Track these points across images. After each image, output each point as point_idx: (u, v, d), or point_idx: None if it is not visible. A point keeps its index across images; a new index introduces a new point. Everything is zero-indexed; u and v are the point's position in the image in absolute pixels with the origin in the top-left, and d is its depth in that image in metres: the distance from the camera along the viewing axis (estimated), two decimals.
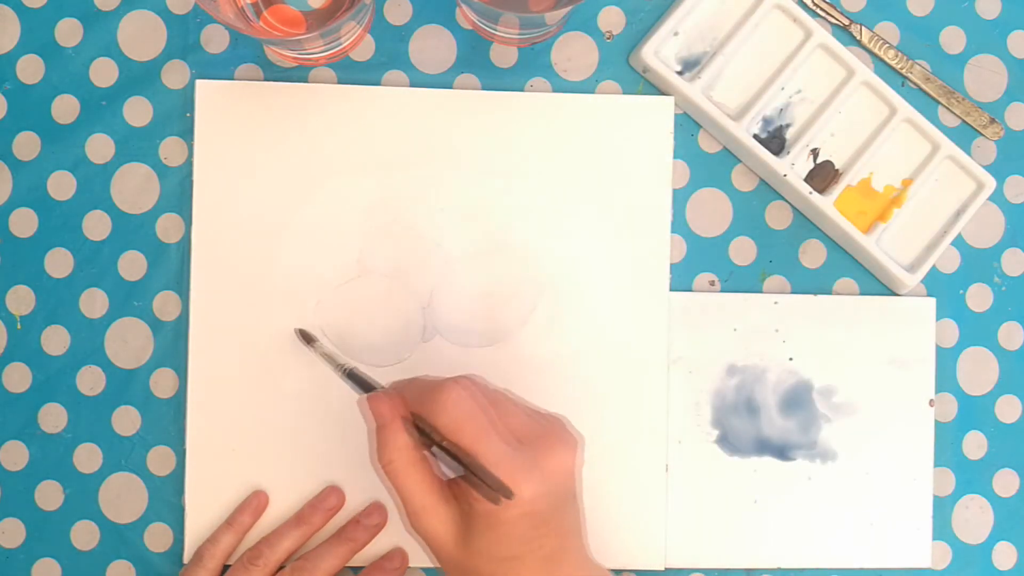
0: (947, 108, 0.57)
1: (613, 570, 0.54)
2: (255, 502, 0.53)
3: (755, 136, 0.55)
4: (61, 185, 0.54)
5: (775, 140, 0.55)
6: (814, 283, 0.56)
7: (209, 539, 0.52)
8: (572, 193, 0.55)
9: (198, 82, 0.54)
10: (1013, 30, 0.57)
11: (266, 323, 0.54)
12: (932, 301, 0.56)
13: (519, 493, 0.41)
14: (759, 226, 0.56)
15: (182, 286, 0.54)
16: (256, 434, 0.54)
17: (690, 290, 0.56)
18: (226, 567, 0.52)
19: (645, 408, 0.55)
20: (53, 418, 0.54)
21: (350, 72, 0.55)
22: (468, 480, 0.42)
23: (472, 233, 0.54)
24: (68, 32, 0.54)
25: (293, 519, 0.52)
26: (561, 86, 0.55)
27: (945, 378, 0.56)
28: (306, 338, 0.52)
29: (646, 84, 0.56)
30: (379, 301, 0.54)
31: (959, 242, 0.57)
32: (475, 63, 0.55)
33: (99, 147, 0.54)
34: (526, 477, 0.41)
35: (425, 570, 0.54)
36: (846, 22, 0.56)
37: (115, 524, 0.54)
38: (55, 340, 0.54)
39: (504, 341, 0.54)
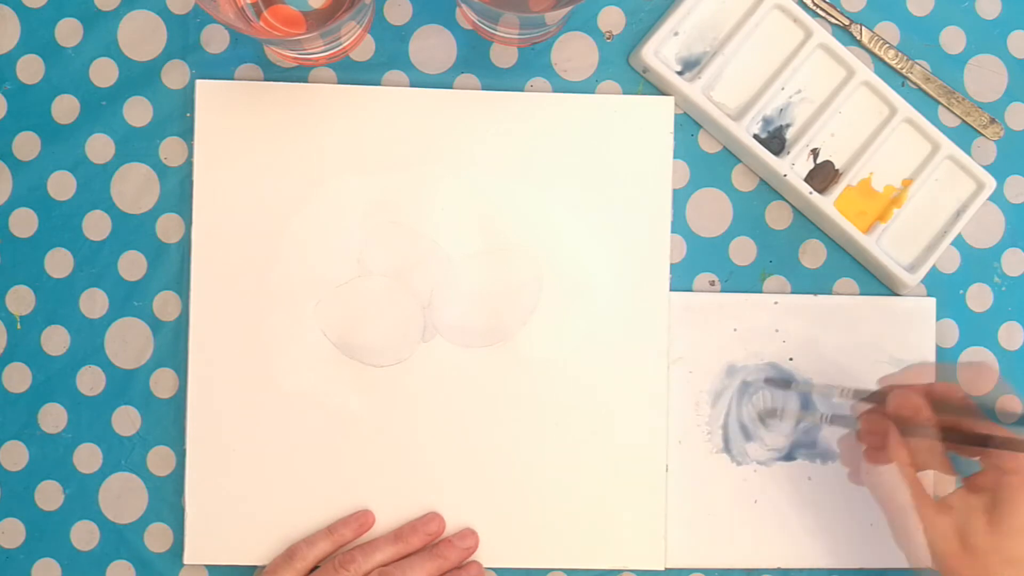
0: (947, 108, 0.57)
1: (613, 570, 0.54)
2: (361, 519, 0.53)
3: (755, 136, 0.55)
4: (61, 185, 0.54)
5: (775, 140, 0.55)
6: (814, 283, 0.56)
7: (306, 540, 0.52)
8: (572, 193, 0.55)
9: (198, 82, 0.54)
10: (1013, 30, 0.57)
11: (266, 323, 0.54)
12: (932, 301, 0.56)
13: None
14: (759, 226, 0.56)
15: (182, 286, 0.54)
16: (256, 434, 0.54)
17: (690, 290, 0.56)
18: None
19: (645, 408, 0.55)
20: (53, 418, 0.54)
21: (350, 72, 0.55)
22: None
23: (472, 233, 0.54)
24: (68, 32, 0.54)
25: (392, 535, 0.53)
26: (561, 86, 0.55)
27: (945, 379, 0.56)
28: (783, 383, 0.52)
29: (646, 84, 0.56)
30: (379, 301, 0.54)
31: (959, 242, 0.57)
32: (475, 63, 0.55)
33: (99, 147, 0.54)
34: None
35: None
36: (846, 22, 0.56)
37: (115, 524, 0.54)
38: (55, 340, 0.54)
39: (504, 341, 0.54)
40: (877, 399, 0.48)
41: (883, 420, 0.46)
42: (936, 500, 0.44)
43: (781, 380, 0.54)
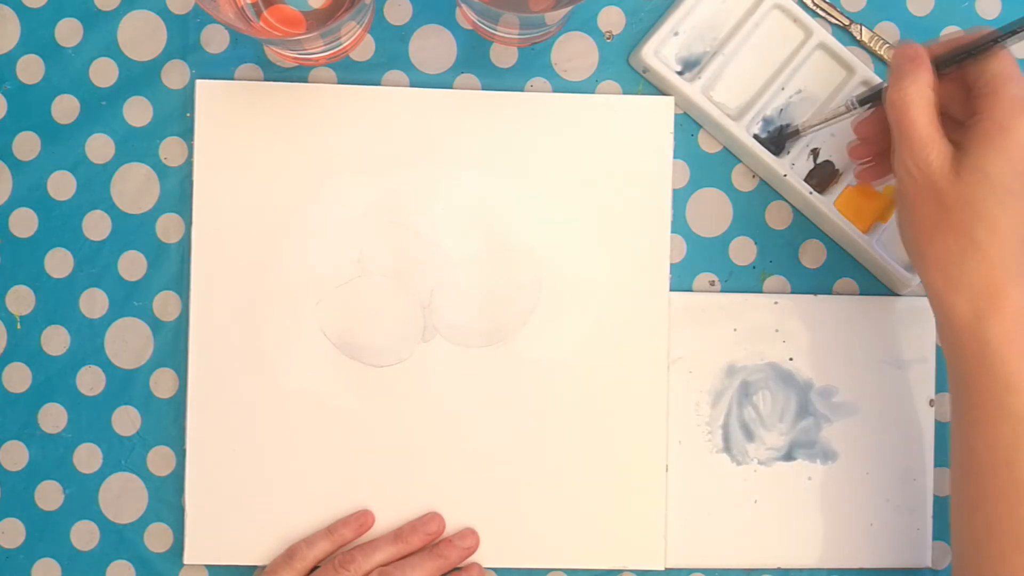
0: None
1: (613, 570, 0.54)
2: (361, 519, 0.53)
3: (755, 136, 0.55)
4: (61, 185, 0.54)
5: (775, 140, 0.55)
6: (814, 283, 0.56)
7: (306, 540, 0.52)
8: (572, 193, 0.55)
9: (198, 82, 0.54)
10: None
11: (266, 323, 0.54)
12: None
13: None
14: (759, 226, 0.56)
15: (182, 286, 0.54)
16: (256, 434, 0.54)
17: (690, 290, 0.56)
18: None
19: (645, 408, 0.55)
20: (53, 418, 0.54)
21: (350, 72, 0.55)
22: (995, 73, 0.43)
23: (472, 233, 0.54)
24: (68, 32, 0.54)
25: (392, 535, 0.53)
26: (561, 86, 0.55)
27: (945, 378, 0.56)
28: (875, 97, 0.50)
29: (646, 84, 0.56)
30: (379, 301, 0.54)
31: None
32: (475, 63, 0.55)
33: (99, 147, 0.54)
34: None
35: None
36: (846, 22, 0.56)
37: (115, 524, 0.54)
38: (55, 340, 0.54)
39: (504, 341, 0.54)
40: (878, 96, 0.48)
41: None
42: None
43: (783, 136, 0.53)
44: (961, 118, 0.45)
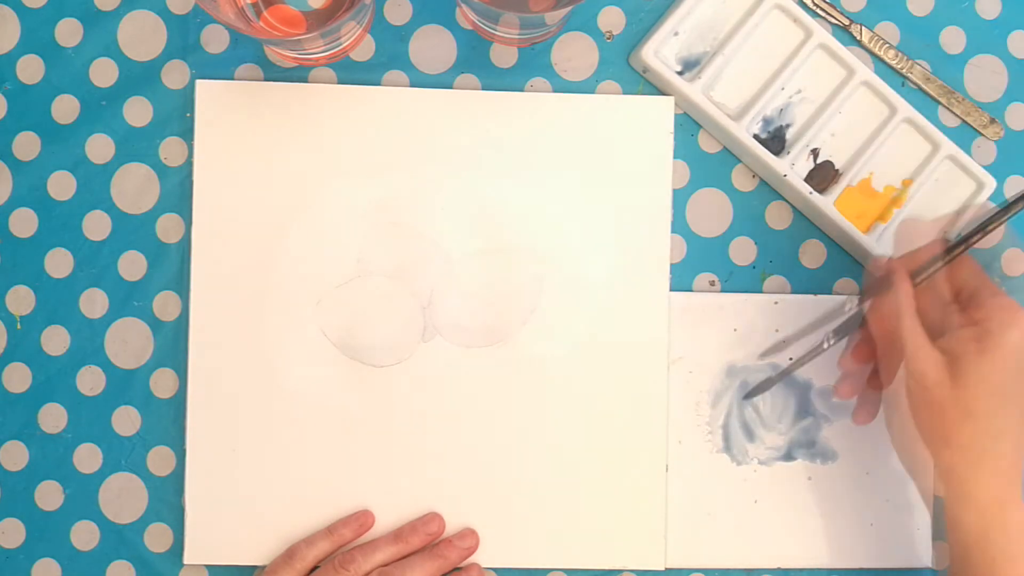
0: (947, 108, 0.57)
1: (613, 570, 0.54)
2: (361, 519, 0.53)
3: (755, 136, 0.55)
4: (61, 185, 0.54)
5: (775, 140, 0.55)
6: (814, 283, 0.56)
7: (306, 540, 0.52)
8: (572, 193, 0.55)
9: (198, 82, 0.54)
10: (1013, 30, 0.57)
11: (266, 323, 0.54)
12: None
13: (1017, 318, 0.43)
14: (759, 226, 0.56)
15: (182, 286, 0.54)
16: (256, 434, 0.54)
17: (690, 290, 0.56)
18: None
19: (645, 408, 0.55)
20: (53, 418, 0.54)
21: (350, 72, 0.55)
22: (976, 298, 0.45)
23: (472, 233, 0.54)
24: (68, 32, 0.54)
25: (392, 535, 0.53)
26: (561, 86, 0.55)
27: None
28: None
29: (646, 84, 0.56)
30: (379, 301, 0.54)
31: None
32: (475, 63, 0.55)
33: (99, 147, 0.54)
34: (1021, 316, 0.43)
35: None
36: (846, 22, 0.56)
37: (115, 524, 0.54)
38: (55, 340, 0.54)
39: (504, 341, 0.54)
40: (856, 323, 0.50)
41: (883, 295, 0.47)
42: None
43: (762, 386, 0.54)
44: (937, 324, 0.46)
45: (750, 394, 0.54)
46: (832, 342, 0.53)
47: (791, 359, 0.55)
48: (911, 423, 0.45)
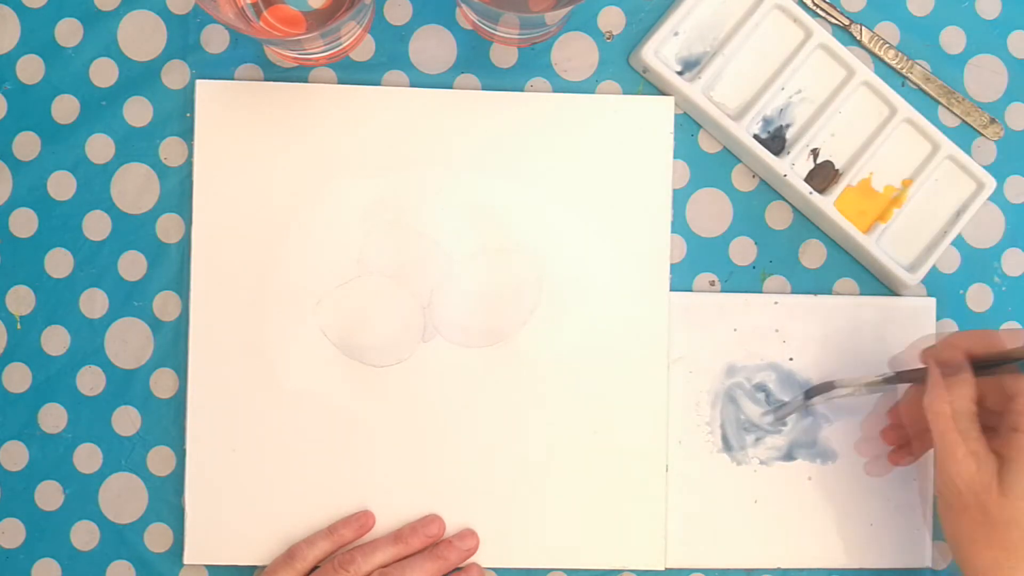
0: (947, 108, 0.57)
1: (613, 570, 0.54)
2: (361, 519, 0.53)
3: (755, 136, 0.55)
4: (61, 185, 0.54)
5: (775, 140, 0.55)
6: (814, 283, 0.56)
7: (306, 540, 0.52)
8: (572, 193, 0.55)
9: (198, 82, 0.54)
10: (1013, 30, 0.57)
11: (266, 323, 0.54)
12: (932, 301, 0.56)
13: None
14: (759, 226, 0.56)
15: (182, 286, 0.54)
16: (256, 434, 0.54)
17: (690, 290, 0.56)
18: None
19: (645, 408, 0.55)
20: (53, 418, 0.54)
21: (350, 72, 0.55)
22: None
23: (472, 233, 0.54)
24: (68, 32, 0.54)
25: (391, 536, 0.53)
26: (561, 86, 0.55)
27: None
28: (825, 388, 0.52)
29: (646, 84, 0.56)
30: (379, 301, 0.54)
31: (959, 242, 0.57)
32: (475, 63, 0.55)
33: (99, 147, 0.54)
34: None
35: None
36: (846, 22, 0.56)
37: (115, 524, 0.54)
38: (55, 340, 0.54)
39: (504, 341, 0.54)
40: (891, 380, 0.49)
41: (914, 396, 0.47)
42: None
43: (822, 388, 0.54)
44: (996, 412, 0.46)
45: (811, 392, 0.54)
46: (885, 381, 0.51)
47: (791, 358, 0.55)
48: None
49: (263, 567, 0.53)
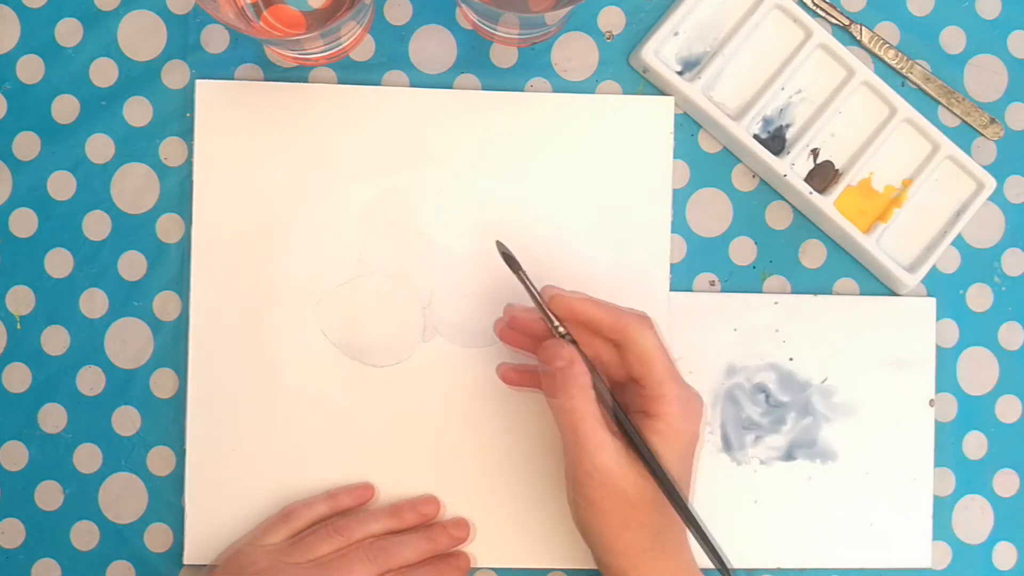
0: (947, 108, 0.57)
1: None
2: (361, 489, 0.53)
3: (755, 136, 0.55)
4: (61, 185, 0.54)
5: (775, 140, 0.55)
6: (814, 283, 0.56)
7: (304, 501, 0.53)
8: (572, 193, 0.55)
9: (198, 82, 0.54)
10: (1013, 30, 0.57)
11: (266, 323, 0.54)
12: (932, 301, 0.56)
13: (694, 409, 0.47)
14: (759, 226, 0.56)
15: (182, 286, 0.54)
16: (256, 434, 0.54)
17: (690, 290, 0.56)
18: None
19: None
20: (53, 418, 0.54)
21: (350, 72, 0.55)
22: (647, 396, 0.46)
23: (472, 233, 0.54)
24: (68, 32, 0.54)
25: (388, 509, 0.53)
26: (561, 86, 0.55)
27: (945, 378, 0.56)
28: (511, 262, 0.49)
29: (646, 84, 0.56)
30: (379, 301, 0.54)
31: (959, 242, 0.57)
32: (475, 63, 0.55)
33: (99, 147, 0.54)
34: (695, 395, 0.47)
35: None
36: (846, 22, 0.56)
37: (115, 524, 0.54)
38: (55, 340, 0.54)
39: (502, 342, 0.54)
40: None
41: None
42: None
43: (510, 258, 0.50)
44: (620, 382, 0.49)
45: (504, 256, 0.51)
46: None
47: (791, 359, 0.55)
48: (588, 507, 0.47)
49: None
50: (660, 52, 0.55)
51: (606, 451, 0.45)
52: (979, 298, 0.57)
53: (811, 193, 0.54)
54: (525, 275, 0.48)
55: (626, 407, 0.48)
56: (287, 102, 0.54)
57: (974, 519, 0.56)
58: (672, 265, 0.55)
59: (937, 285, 0.57)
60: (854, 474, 0.55)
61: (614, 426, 0.47)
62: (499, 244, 0.48)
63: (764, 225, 0.56)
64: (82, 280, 0.54)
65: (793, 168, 0.55)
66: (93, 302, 0.54)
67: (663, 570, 0.47)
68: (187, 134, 0.54)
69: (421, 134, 0.54)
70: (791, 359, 0.56)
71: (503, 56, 0.55)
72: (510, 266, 0.48)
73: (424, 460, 0.54)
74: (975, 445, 0.57)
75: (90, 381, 0.54)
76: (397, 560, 0.51)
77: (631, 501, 0.46)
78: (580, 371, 0.46)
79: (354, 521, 0.52)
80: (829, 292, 0.56)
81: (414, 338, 0.54)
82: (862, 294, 0.56)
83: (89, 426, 0.54)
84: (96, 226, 0.54)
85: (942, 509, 0.56)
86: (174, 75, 0.54)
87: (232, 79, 0.54)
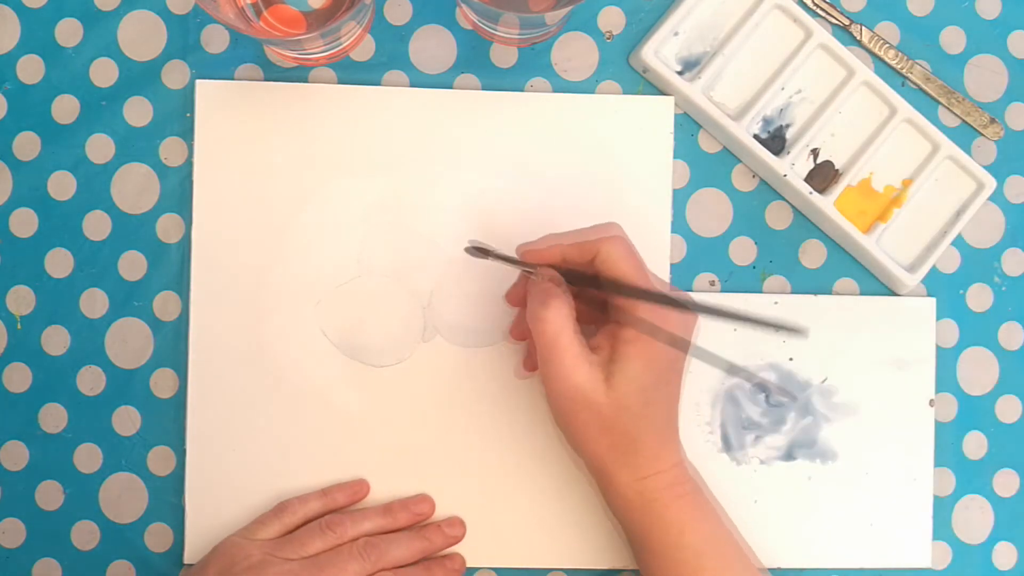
0: (947, 108, 0.57)
1: (613, 570, 0.54)
2: (356, 487, 0.53)
3: (755, 136, 0.55)
4: (61, 185, 0.54)
5: (775, 140, 0.55)
6: (814, 283, 0.56)
7: (299, 497, 0.53)
8: (572, 193, 0.55)
9: (198, 82, 0.54)
10: (1013, 30, 0.57)
11: (266, 323, 0.54)
12: (932, 301, 0.56)
13: (668, 319, 0.46)
14: (759, 226, 0.56)
15: (182, 286, 0.54)
16: (256, 434, 0.54)
17: (690, 290, 0.56)
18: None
19: None
20: (53, 418, 0.54)
21: (350, 72, 0.55)
22: (624, 308, 0.47)
23: (472, 233, 0.54)
24: (68, 32, 0.54)
25: (382, 508, 0.53)
26: (561, 86, 0.55)
27: (945, 378, 0.56)
28: (481, 252, 0.51)
29: (646, 84, 0.56)
30: (379, 301, 0.54)
31: (959, 242, 0.57)
32: (475, 63, 0.55)
33: (99, 147, 0.54)
34: (675, 318, 0.47)
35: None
36: (846, 22, 0.56)
37: (115, 524, 0.54)
38: (55, 340, 0.54)
39: (504, 341, 0.54)
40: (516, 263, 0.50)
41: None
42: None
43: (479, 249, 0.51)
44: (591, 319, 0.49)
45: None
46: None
47: (791, 359, 0.55)
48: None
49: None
50: (660, 52, 0.55)
51: (581, 370, 0.46)
52: (979, 298, 0.57)
53: (811, 193, 0.54)
54: (496, 251, 0.49)
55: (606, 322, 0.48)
56: (287, 102, 0.54)
57: (974, 519, 0.56)
58: (672, 265, 0.55)
59: (937, 285, 0.57)
60: (854, 474, 0.55)
61: (590, 345, 0.47)
62: (467, 248, 0.49)
63: (764, 225, 0.56)
64: (82, 280, 0.54)
65: (793, 168, 0.55)
66: (93, 302, 0.54)
67: (648, 471, 0.47)
68: (187, 134, 0.54)
69: (421, 134, 0.54)
70: (791, 359, 0.56)
71: (503, 56, 0.55)
72: (483, 255, 0.49)
73: (425, 460, 0.54)
74: (975, 445, 0.57)
75: (90, 381, 0.54)
76: (389, 559, 0.51)
77: (606, 414, 0.46)
78: (557, 289, 0.47)
79: (347, 519, 0.52)
80: (829, 292, 0.56)
81: (414, 338, 0.54)
82: (862, 294, 0.56)
83: (89, 426, 0.54)
84: (96, 226, 0.54)
85: (942, 509, 0.56)
86: (174, 75, 0.54)
87: (232, 79, 0.54)
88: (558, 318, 0.46)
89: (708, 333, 0.55)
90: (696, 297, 0.55)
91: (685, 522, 0.48)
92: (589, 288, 0.48)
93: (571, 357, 0.46)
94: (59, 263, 0.54)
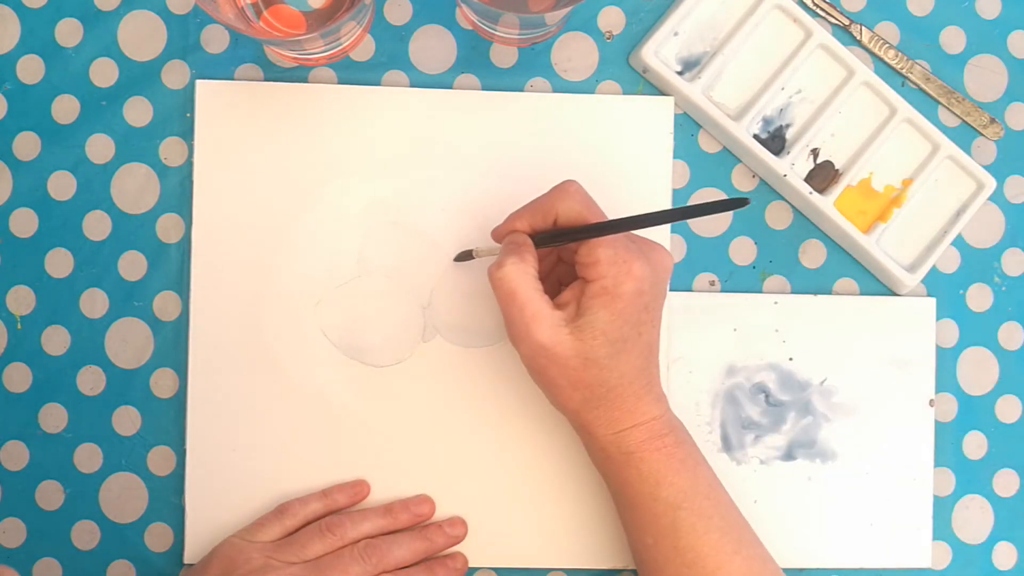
0: (947, 108, 0.57)
1: (613, 570, 0.54)
2: (356, 487, 0.53)
3: (755, 136, 0.55)
4: (61, 185, 0.54)
5: (775, 140, 0.55)
6: (814, 283, 0.56)
7: (299, 499, 0.53)
8: None
9: (198, 82, 0.54)
10: (1013, 30, 0.57)
11: (266, 323, 0.54)
12: (932, 301, 0.56)
13: (631, 270, 0.46)
14: (759, 226, 0.56)
15: (182, 286, 0.54)
16: (256, 434, 0.54)
17: (690, 290, 0.56)
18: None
19: None
20: (53, 418, 0.54)
21: (350, 72, 0.55)
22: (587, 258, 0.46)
23: (472, 233, 0.54)
24: (68, 32, 0.54)
25: (382, 508, 0.53)
26: (561, 86, 0.55)
27: (945, 378, 0.56)
28: (466, 256, 0.53)
29: (646, 84, 0.56)
30: (379, 301, 0.54)
31: (959, 242, 0.57)
32: (475, 63, 0.55)
33: (99, 147, 0.54)
34: (636, 257, 0.46)
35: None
36: (846, 22, 0.56)
37: (115, 524, 0.54)
38: (55, 340, 0.54)
39: (504, 341, 0.54)
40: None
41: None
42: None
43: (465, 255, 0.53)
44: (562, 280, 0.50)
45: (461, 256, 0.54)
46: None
47: (791, 358, 0.55)
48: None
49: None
50: (660, 52, 0.55)
51: (543, 324, 0.46)
52: (979, 298, 0.57)
53: (811, 193, 0.54)
54: (479, 249, 0.51)
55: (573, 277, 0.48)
56: (287, 102, 0.54)
57: (974, 519, 0.56)
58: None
59: (937, 285, 0.57)
60: (854, 474, 0.55)
61: (557, 302, 0.47)
62: (455, 259, 0.51)
63: (764, 225, 0.56)
64: (82, 280, 0.54)
65: (793, 168, 0.55)
66: (93, 302, 0.54)
67: (625, 424, 0.47)
68: (187, 134, 0.54)
69: (421, 134, 0.54)
70: (791, 359, 0.56)
71: (503, 56, 0.55)
72: (470, 257, 0.50)
73: (425, 460, 0.54)
74: (975, 445, 0.57)
75: (90, 381, 0.54)
76: (391, 560, 0.51)
77: (573, 366, 0.46)
78: (520, 241, 0.47)
79: (347, 520, 0.52)
80: (829, 292, 0.56)
81: (414, 338, 0.54)
82: (862, 294, 0.56)
83: (89, 426, 0.54)
84: (96, 226, 0.54)
85: (942, 509, 0.56)
86: (174, 75, 0.54)
87: (232, 79, 0.54)
88: (512, 274, 0.46)
89: (708, 333, 0.55)
90: (696, 296, 0.55)
91: (662, 474, 0.47)
92: (557, 244, 0.48)
93: (530, 312, 0.46)
94: (59, 263, 0.54)
